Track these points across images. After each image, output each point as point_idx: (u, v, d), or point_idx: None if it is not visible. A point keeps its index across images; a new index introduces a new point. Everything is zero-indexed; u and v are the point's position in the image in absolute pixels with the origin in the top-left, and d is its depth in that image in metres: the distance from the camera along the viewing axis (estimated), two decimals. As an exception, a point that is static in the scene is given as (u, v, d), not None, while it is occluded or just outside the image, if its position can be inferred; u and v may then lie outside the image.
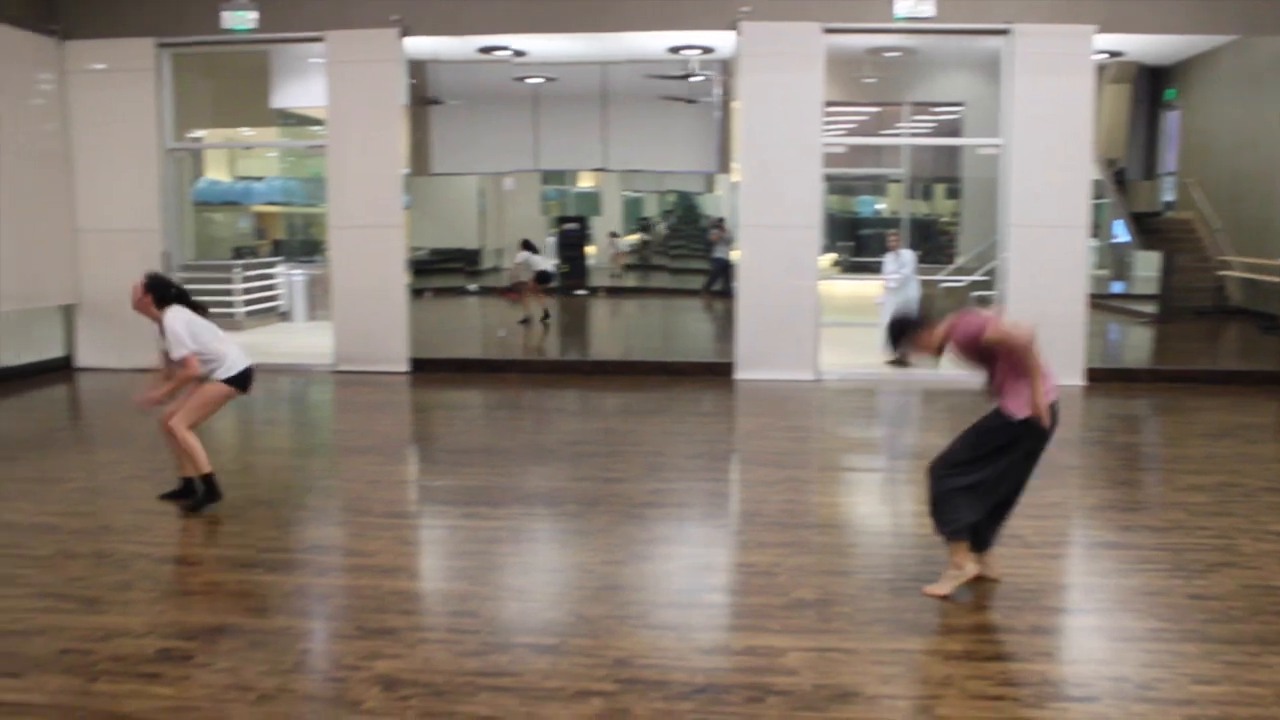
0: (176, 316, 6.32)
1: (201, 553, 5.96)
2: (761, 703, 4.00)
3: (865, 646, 4.54)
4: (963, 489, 4.91)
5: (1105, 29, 11.25)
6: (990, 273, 12.01)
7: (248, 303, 16.78)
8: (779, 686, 4.13)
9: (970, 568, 5.01)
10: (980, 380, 5.04)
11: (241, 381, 6.56)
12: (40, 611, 4.94)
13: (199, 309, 6.52)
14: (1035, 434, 4.83)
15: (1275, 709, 3.93)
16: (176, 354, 6.27)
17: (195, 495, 6.66)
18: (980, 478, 4.91)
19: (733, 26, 11.70)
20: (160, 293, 6.41)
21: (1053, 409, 4.81)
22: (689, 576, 5.54)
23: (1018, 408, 4.78)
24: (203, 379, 6.45)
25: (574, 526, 6.35)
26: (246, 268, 17.15)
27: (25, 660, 4.39)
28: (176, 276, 12.86)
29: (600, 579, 5.41)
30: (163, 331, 6.31)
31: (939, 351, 4.96)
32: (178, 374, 6.34)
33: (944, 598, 4.99)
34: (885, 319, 12.50)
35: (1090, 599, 5.27)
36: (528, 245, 17.85)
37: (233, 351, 6.51)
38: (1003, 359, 4.83)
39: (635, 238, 28.11)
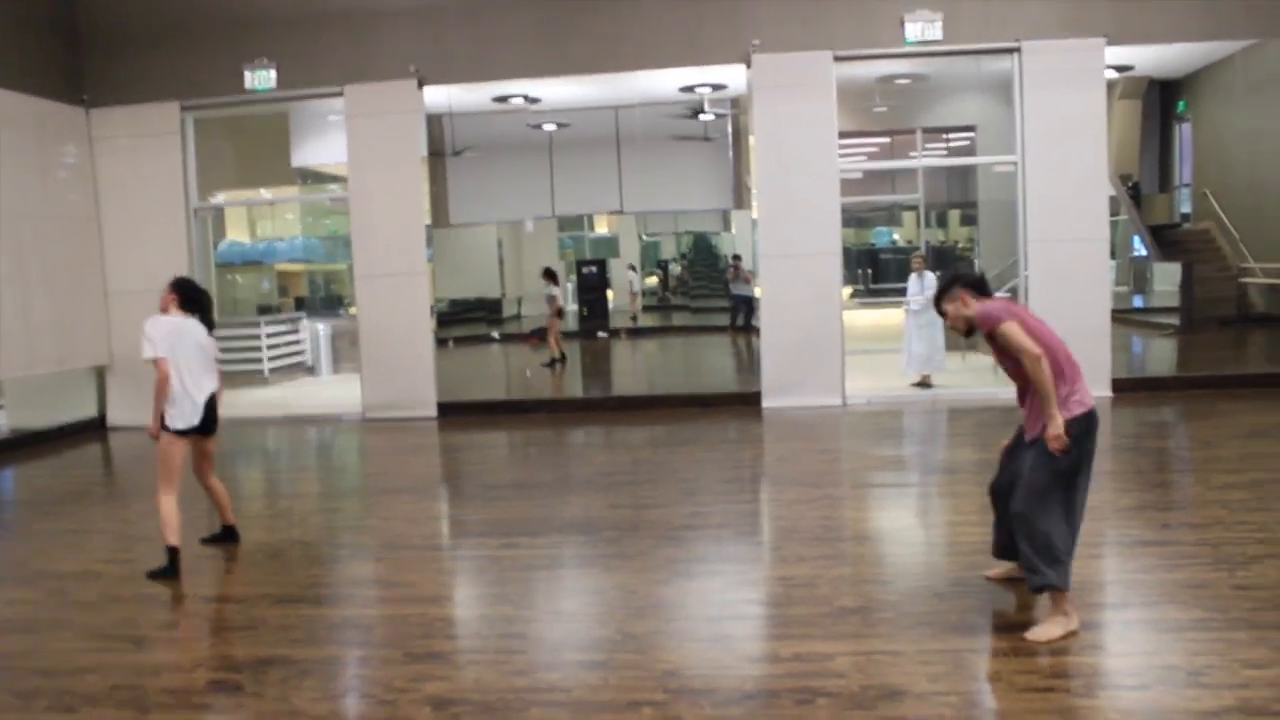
0: (166, 322, 6.26)
1: (245, 591, 6.01)
2: (811, 704, 4.01)
3: (911, 648, 4.54)
4: (1055, 519, 4.63)
5: (1114, 41, 11.33)
6: (1012, 290, 12.03)
7: (273, 358, 16.92)
8: (828, 689, 4.14)
9: (1075, 615, 4.64)
10: (1016, 388, 4.95)
11: (194, 431, 6.32)
12: (90, 651, 5.00)
13: (209, 327, 6.50)
14: (1085, 436, 4.68)
15: (1328, 687, 3.92)
16: (145, 354, 6.14)
17: (237, 539, 6.75)
18: (1066, 502, 4.70)
19: (744, 60, 11.84)
20: (185, 294, 6.45)
21: (1091, 417, 4.69)
22: (731, 591, 5.56)
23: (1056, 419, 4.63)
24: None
25: (613, 551, 6.37)
26: (271, 324, 17.32)
27: (78, 697, 4.44)
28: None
29: (643, 598, 5.43)
30: None
31: (968, 325, 4.88)
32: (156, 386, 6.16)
33: (1050, 641, 4.55)
34: (908, 343, 12.59)
35: (1134, 594, 5.25)
36: (550, 274, 17.87)
37: (188, 406, 6.26)
38: (1011, 364, 4.80)
39: (653, 280, 28.27)
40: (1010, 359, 4.79)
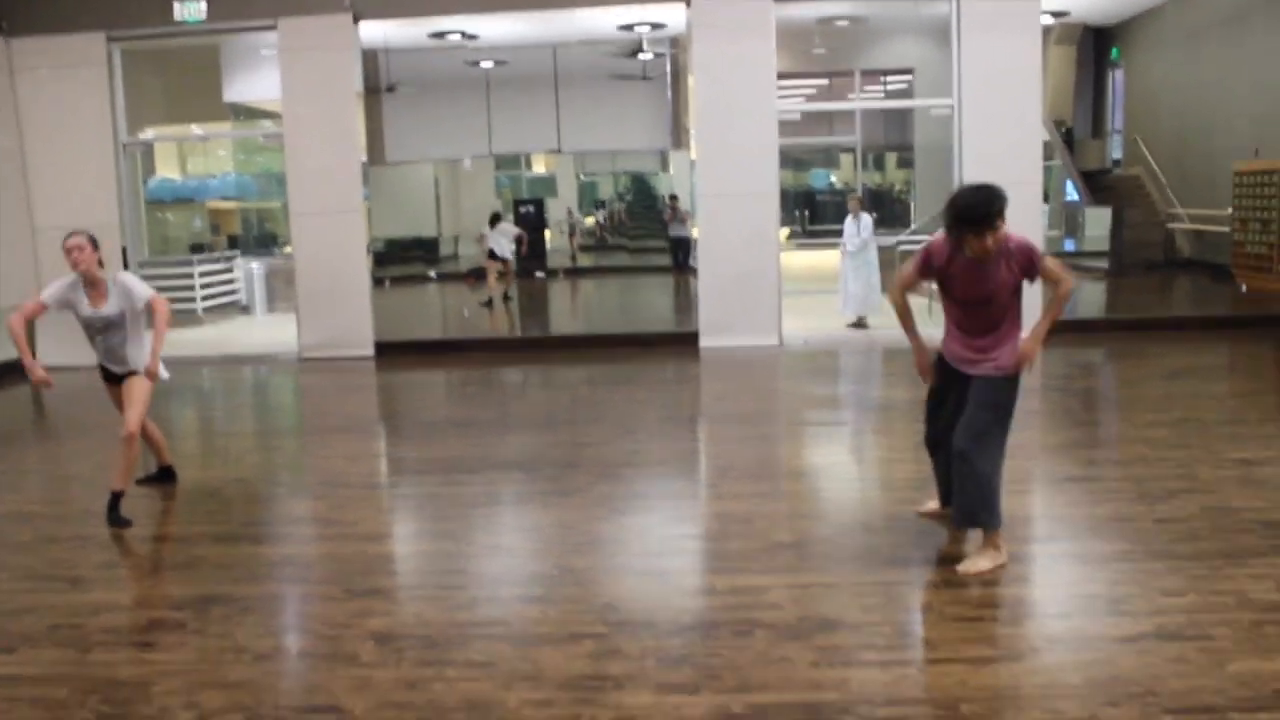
0: (127, 274, 6.13)
1: (183, 530, 5.99)
2: (749, 635, 4.11)
3: (845, 581, 4.67)
4: (994, 459, 4.72)
5: (1050, -14, 11.43)
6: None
7: (206, 297, 16.69)
8: (765, 620, 4.24)
9: (1004, 549, 4.74)
10: (966, 323, 4.80)
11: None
12: (26, 592, 4.95)
13: None
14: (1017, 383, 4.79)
15: (1237, 613, 4.10)
16: (143, 298, 6.00)
17: (174, 479, 6.70)
18: (1003, 441, 4.79)
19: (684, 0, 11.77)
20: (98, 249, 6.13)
21: None
22: (669, 527, 5.66)
23: (1009, 362, 4.71)
24: (129, 373, 6.18)
25: (552, 488, 6.42)
26: (203, 263, 17.05)
27: (15, 637, 4.41)
28: (135, 273, 12.83)
29: (582, 534, 5.50)
30: (101, 292, 5.99)
31: (986, 250, 4.54)
32: (157, 322, 6.00)
33: (980, 574, 4.65)
34: (844, 283, 12.71)
35: (1061, 528, 5.43)
36: (496, 219, 17.75)
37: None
38: (1007, 305, 4.70)
39: (591, 220, 28.20)
40: (981, 297, 4.68)
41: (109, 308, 6.01)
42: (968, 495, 4.73)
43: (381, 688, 3.79)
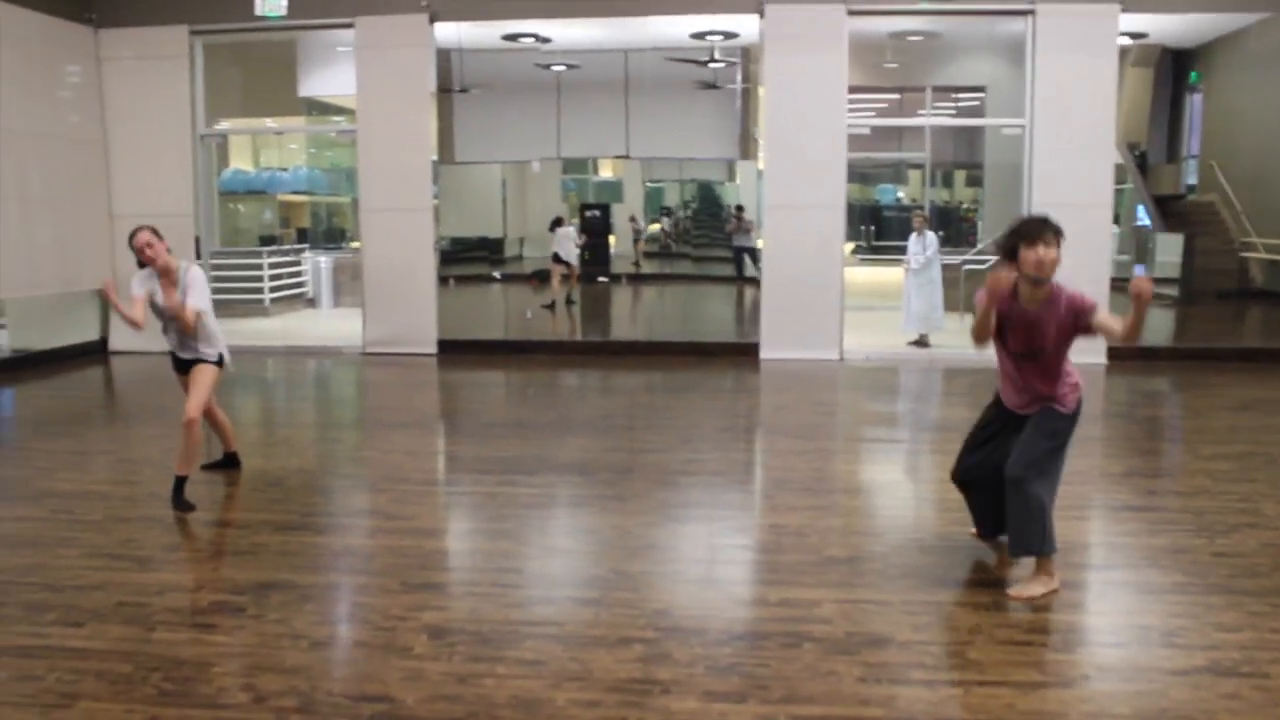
0: (200, 270, 6.28)
1: (247, 517, 6.12)
2: (798, 648, 4.13)
3: (896, 598, 4.67)
4: (1047, 487, 4.71)
5: (1129, 7, 11.29)
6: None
7: (274, 289, 16.96)
8: (814, 634, 4.26)
9: (1057, 575, 4.72)
10: (1018, 374, 4.77)
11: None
12: (95, 570, 5.10)
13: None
14: (1079, 412, 4.79)
15: (1297, 652, 4.05)
16: (198, 303, 6.12)
17: (239, 465, 6.86)
18: (1057, 471, 4.79)
19: (757, 9, 11.80)
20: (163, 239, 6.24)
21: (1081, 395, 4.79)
22: (723, 537, 5.70)
23: (1068, 400, 4.71)
24: (196, 360, 6.34)
25: (610, 492, 6.48)
26: (272, 255, 17.34)
27: (85, 612, 4.55)
28: (207, 262, 13.13)
29: (638, 539, 5.55)
30: (171, 288, 6.13)
31: (1041, 268, 4.48)
32: (177, 314, 6.11)
33: (1031, 599, 4.64)
34: (908, 301, 12.64)
35: (1117, 557, 5.38)
36: (558, 223, 17.88)
37: (218, 329, 6.42)
38: (1055, 354, 4.66)
39: (656, 226, 28.23)
40: (1032, 349, 4.66)
41: (178, 296, 6.16)
42: (1022, 522, 4.69)
43: (433, 680, 3.87)
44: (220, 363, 6.40)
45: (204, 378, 6.28)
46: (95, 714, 3.66)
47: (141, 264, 6.18)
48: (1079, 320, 4.55)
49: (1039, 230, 4.49)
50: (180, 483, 6.16)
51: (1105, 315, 4.60)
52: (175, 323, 6.23)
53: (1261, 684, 3.79)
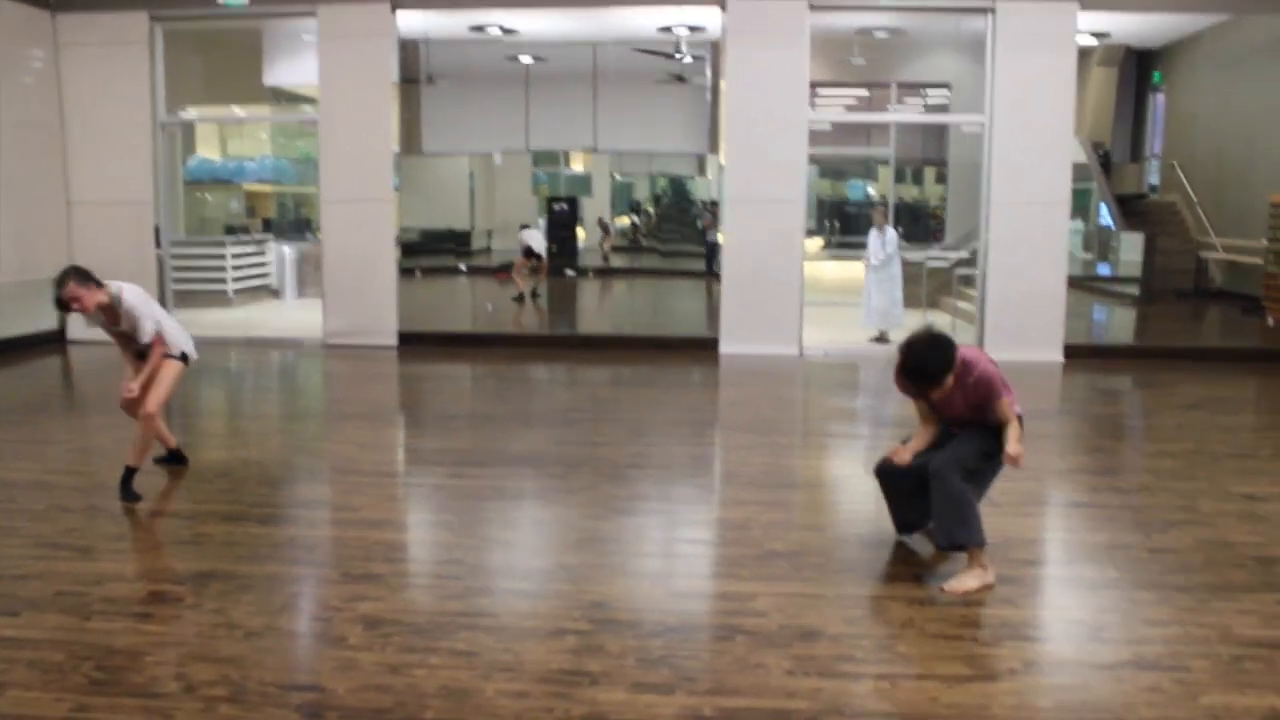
0: (132, 292, 6.13)
1: (192, 508, 6.10)
2: (730, 640, 4.17)
3: (832, 593, 4.71)
4: (976, 491, 4.87)
5: (1087, 6, 11.37)
6: (974, 251, 12.17)
7: (238, 279, 16.88)
8: (746, 627, 4.30)
9: (991, 569, 4.78)
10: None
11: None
12: (35, 559, 5.08)
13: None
14: None
15: (1219, 647, 4.11)
16: (147, 334, 6.10)
17: (185, 460, 6.81)
18: (986, 481, 4.99)
19: (719, 2, 11.81)
20: (91, 278, 6.05)
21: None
22: (668, 530, 5.73)
23: (1014, 451, 4.78)
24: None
25: (557, 485, 6.51)
26: (235, 245, 17.24)
27: (21, 601, 4.54)
28: (168, 251, 13.04)
29: (581, 531, 5.58)
30: (115, 317, 6.09)
31: (941, 396, 4.85)
32: (152, 356, 6.14)
33: (966, 593, 4.70)
34: (868, 297, 12.70)
35: (1055, 552, 5.46)
36: (523, 229, 18.07)
37: (174, 325, 6.38)
38: (978, 414, 4.87)
39: (625, 221, 28.23)
40: (954, 419, 4.96)
41: (125, 324, 6.14)
42: (947, 515, 4.76)
43: (365, 670, 3.88)
44: (184, 359, 6.37)
45: (167, 373, 6.24)
46: (23, 703, 3.65)
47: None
48: (984, 403, 4.79)
49: (932, 379, 4.73)
50: (130, 473, 6.12)
51: (1005, 408, 4.78)
52: (132, 337, 6.20)
53: (1182, 678, 3.85)
